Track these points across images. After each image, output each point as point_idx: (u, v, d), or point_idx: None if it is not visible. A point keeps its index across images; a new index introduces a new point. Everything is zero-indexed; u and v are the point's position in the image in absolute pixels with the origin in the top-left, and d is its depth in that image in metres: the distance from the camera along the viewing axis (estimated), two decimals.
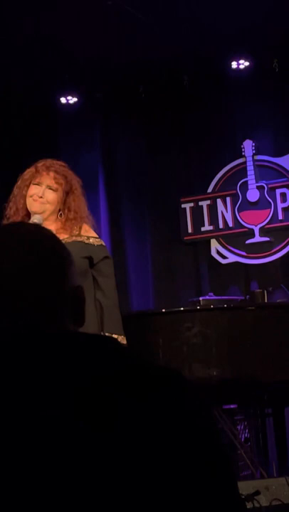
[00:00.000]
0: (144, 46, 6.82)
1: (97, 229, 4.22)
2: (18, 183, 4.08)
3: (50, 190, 4.02)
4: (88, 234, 4.07)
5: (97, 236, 4.12)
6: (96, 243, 4.06)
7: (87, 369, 1.21)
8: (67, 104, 7.77)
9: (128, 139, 7.72)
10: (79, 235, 4.02)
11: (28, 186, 4.01)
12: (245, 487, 4.23)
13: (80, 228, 4.05)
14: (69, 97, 7.73)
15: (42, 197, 3.99)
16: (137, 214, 7.64)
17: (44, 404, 1.17)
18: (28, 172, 4.07)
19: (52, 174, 4.03)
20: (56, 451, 1.13)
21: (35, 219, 3.96)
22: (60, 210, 4.06)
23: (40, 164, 4.07)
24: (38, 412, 1.16)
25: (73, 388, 1.18)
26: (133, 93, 7.60)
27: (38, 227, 1.49)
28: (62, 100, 7.74)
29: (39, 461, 1.13)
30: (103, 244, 4.13)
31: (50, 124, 7.85)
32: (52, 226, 4.03)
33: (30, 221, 3.97)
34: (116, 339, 1.32)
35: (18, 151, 7.47)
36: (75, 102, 7.76)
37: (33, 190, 4.00)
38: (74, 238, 4.01)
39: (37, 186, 4.01)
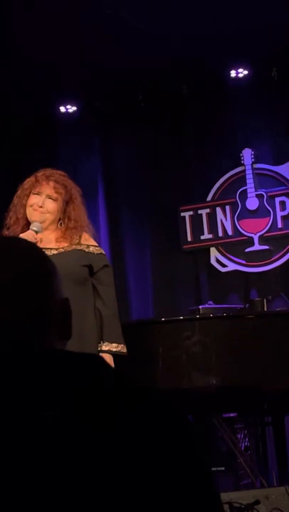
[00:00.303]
0: (143, 55, 6.83)
1: (97, 238, 4.23)
2: (18, 192, 4.08)
3: (50, 200, 4.02)
4: (88, 242, 4.07)
5: (96, 245, 4.13)
6: (96, 251, 4.07)
7: (69, 389, 1.19)
8: (67, 112, 7.78)
9: (127, 147, 7.73)
10: (79, 243, 4.02)
11: (28, 196, 4.02)
12: (245, 496, 4.22)
13: (80, 237, 4.05)
14: (68, 106, 7.75)
15: (42, 206, 4.00)
16: (136, 222, 7.64)
17: (30, 423, 1.15)
18: (28, 182, 4.08)
19: (52, 184, 4.04)
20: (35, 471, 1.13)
21: (34, 226, 3.96)
22: (60, 220, 4.06)
23: (40, 174, 4.08)
24: (23, 433, 1.15)
25: (56, 409, 1.17)
26: (132, 102, 7.61)
27: (19, 242, 1.44)
28: (62, 109, 7.75)
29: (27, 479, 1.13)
30: (103, 252, 4.14)
31: (50, 133, 7.86)
32: (52, 235, 4.04)
33: (30, 229, 3.98)
34: (100, 357, 1.30)
35: (18, 160, 7.48)
36: (74, 111, 7.77)
37: (33, 199, 4.01)
38: (74, 247, 4.01)
39: (37, 196, 4.01)
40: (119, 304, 7.33)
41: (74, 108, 7.75)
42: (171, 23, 6.43)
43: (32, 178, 4.09)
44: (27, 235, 3.92)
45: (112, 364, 3.92)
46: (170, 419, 1.24)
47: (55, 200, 4.03)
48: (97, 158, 7.81)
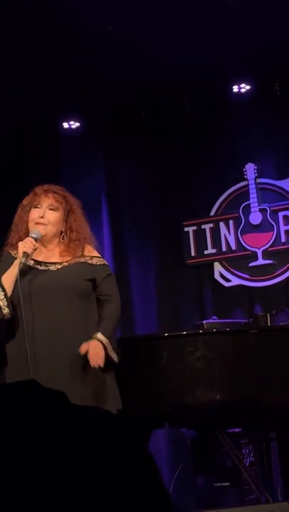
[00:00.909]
0: (146, 70, 6.85)
1: (100, 249, 4.22)
2: (18, 211, 4.09)
3: (51, 211, 4.03)
4: (91, 254, 4.07)
5: (99, 256, 4.12)
6: (99, 263, 4.06)
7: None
8: (70, 129, 7.80)
9: (130, 163, 7.74)
10: (82, 255, 4.02)
11: (28, 212, 4.02)
12: None
13: (83, 249, 4.05)
14: (71, 122, 7.76)
15: (43, 217, 3.99)
16: (140, 238, 7.64)
17: None
18: (27, 198, 4.09)
19: (51, 195, 4.06)
20: None
21: (33, 233, 3.95)
22: (62, 233, 4.06)
23: (37, 189, 4.10)
24: None
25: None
26: (135, 117, 7.63)
27: None
28: (65, 125, 7.77)
29: None
30: (106, 263, 4.13)
31: (53, 149, 7.88)
32: (56, 249, 4.03)
33: (29, 236, 3.96)
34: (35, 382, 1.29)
35: (21, 177, 7.49)
36: (77, 127, 7.79)
37: (34, 213, 4.01)
38: (77, 260, 4.01)
39: (37, 209, 4.02)
40: (123, 318, 7.38)
41: (77, 124, 7.77)
42: (174, 39, 6.45)
43: (30, 195, 4.10)
44: (25, 242, 3.91)
45: (102, 352, 3.87)
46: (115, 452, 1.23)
47: (55, 209, 4.04)
48: (100, 173, 7.82)
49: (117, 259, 7.61)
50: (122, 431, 1.25)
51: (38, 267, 3.99)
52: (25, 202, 4.08)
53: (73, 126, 7.79)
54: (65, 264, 3.98)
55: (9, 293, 3.86)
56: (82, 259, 4.02)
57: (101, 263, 4.08)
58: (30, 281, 3.92)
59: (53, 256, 4.03)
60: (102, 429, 1.23)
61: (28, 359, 3.77)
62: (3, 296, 3.86)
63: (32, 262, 4.00)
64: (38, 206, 4.03)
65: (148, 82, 7.07)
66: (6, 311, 3.85)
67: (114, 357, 3.97)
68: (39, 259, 4.01)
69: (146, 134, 7.64)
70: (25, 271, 3.94)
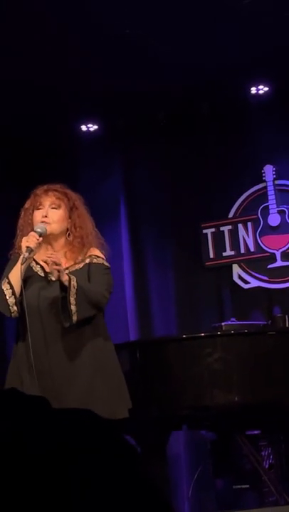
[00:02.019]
0: (164, 73, 6.85)
1: (105, 246, 4.14)
2: (22, 215, 4.06)
3: (54, 210, 4.00)
4: (93, 253, 4.02)
5: (101, 256, 4.05)
6: (94, 261, 4.00)
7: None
8: (88, 131, 7.81)
9: (149, 165, 7.74)
10: (83, 260, 3.98)
11: (32, 214, 4.00)
12: None
13: (87, 251, 4.01)
14: (90, 125, 7.78)
15: (47, 216, 3.97)
16: (158, 240, 7.64)
17: None
18: (28, 201, 4.07)
19: (51, 194, 4.03)
20: None
21: (37, 228, 3.91)
22: (68, 230, 4.03)
23: (37, 190, 4.08)
24: None
25: None
26: (153, 120, 7.63)
27: None
28: (83, 128, 7.78)
29: None
30: (104, 263, 4.02)
31: (71, 152, 7.89)
32: (61, 252, 4.00)
33: (33, 230, 3.93)
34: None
35: (38, 179, 7.49)
36: (95, 130, 7.80)
37: (37, 215, 3.98)
38: (76, 266, 3.97)
39: (40, 210, 4.00)
40: (142, 321, 7.39)
41: (95, 127, 7.78)
42: (191, 41, 6.45)
43: (31, 197, 4.07)
44: (28, 237, 3.88)
45: (64, 275, 3.79)
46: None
47: (58, 207, 4.01)
48: (118, 176, 7.83)
49: (135, 262, 7.62)
50: (107, 434, 1.24)
51: (42, 274, 3.96)
52: (27, 205, 4.05)
53: (91, 129, 7.80)
54: (68, 270, 3.93)
55: (17, 291, 3.84)
56: (81, 264, 3.98)
57: (98, 262, 4.02)
58: (38, 290, 3.89)
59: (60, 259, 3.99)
60: (83, 432, 1.23)
61: (32, 358, 3.76)
62: (11, 294, 3.84)
63: (38, 267, 3.98)
64: (40, 207, 4.00)
65: (166, 85, 7.07)
66: (13, 308, 3.84)
67: (72, 305, 3.77)
68: (42, 261, 3.97)
69: (164, 136, 7.64)
70: (31, 278, 3.92)
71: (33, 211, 4.01)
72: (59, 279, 3.77)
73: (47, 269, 3.91)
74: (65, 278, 3.77)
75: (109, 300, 4.00)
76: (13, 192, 7.02)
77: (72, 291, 3.73)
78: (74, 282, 3.76)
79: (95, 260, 3.98)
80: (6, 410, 1.22)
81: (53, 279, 3.83)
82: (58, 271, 3.76)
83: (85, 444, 1.20)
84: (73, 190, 4.22)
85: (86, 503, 1.15)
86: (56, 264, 3.77)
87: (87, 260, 3.97)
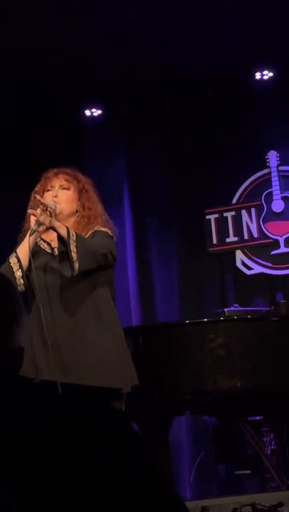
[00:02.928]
0: (167, 59, 6.84)
1: (114, 228, 4.11)
2: (32, 197, 4.06)
3: (64, 190, 4.01)
4: (97, 228, 4.01)
5: (104, 229, 4.03)
6: (100, 230, 3.99)
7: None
8: (92, 116, 7.80)
9: (152, 151, 7.73)
10: (86, 235, 3.96)
11: (42, 196, 4.01)
12: (268, 498, 4.21)
13: (94, 229, 4.00)
14: (93, 110, 7.76)
15: (56, 196, 3.98)
16: (161, 226, 7.64)
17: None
18: (38, 184, 4.08)
19: (61, 176, 4.05)
20: None
21: (48, 203, 3.91)
22: (77, 212, 4.04)
23: (48, 173, 4.09)
24: None
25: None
26: (157, 105, 7.61)
27: None
28: (87, 113, 7.77)
29: None
30: (101, 229, 3.99)
31: (74, 137, 7.88)
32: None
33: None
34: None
35: (41, 164, 7.48)
36: (99, 115, 7.79)
37: (48, 196, 3.99)
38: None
39: (50, 191, 4.01)
40: (145, 305, 7.39)
41: (99, 112, 7.77)
42: (196, 27, 6.43)
43: (41, 180, 4.08)
44: (38, 211, 3.86)
45: (62, 228, 3.75)
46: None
47: (68, 188, 4.02)
48: (122, 161, 7.82)
49: (138, 247, 7.62)
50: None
51: (48, 251, 3.97)
52: (37, 188, 4.06)
53: (95, 114, 7.78)
54: None
55: (24, 264, 3.84)
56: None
57: (102, 230, 4.01)
58: (44, 264, 3.89)
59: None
60: (87, 419, 1.23)
61: (44, 326, 3.76)
62: (18, 267, 3.84)
63: (46, 245, 3.99)
64: (51, 189, 4.02)
65: (170, 71, 7.05)
66: (20, 281, 3.84)
67: (73, 252, 3.72)
68: (50, 240, 3.98)
69: (168, 121, 7.62)
70: (38, 254, 3.92)
71: (43, 193, 4.02)
72: (52, 228, 3.75)
73: (54, 245, 3.92)
74: (58, 224, 3.75)
75: (109, 260, 3.89)
76: (16, 179, 7.02)
77: (72, 238, 3.72)
78: (73, 231, 3.76)
79: (98, 230, 3.98)
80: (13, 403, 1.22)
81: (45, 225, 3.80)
82: (50, 214, 3.74)
83: (89, 430, 1.20)
84: (84, 175, 4.22)
85: (89, 489, 1.15)
86: (46, 208, 3.76)
87: (91, 232, 3.97)
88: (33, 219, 3.84)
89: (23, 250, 3.87)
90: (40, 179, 4.10)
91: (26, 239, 3.85)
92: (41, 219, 3.77)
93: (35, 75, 6.84)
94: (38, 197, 3.84)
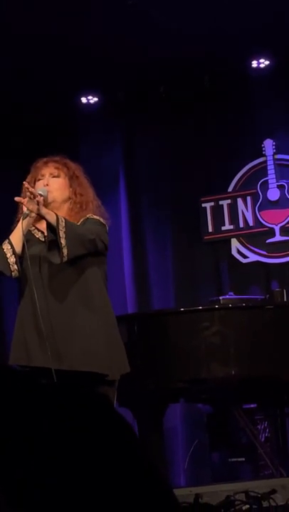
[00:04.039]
0: (165, 46, 6.82)
1: (106, 214, 4.10)
2: (23, 188, 4.06)
3: (55, 178, 4.02)
4: (89, 216, 4.00)
5: (97, 216, 4.02)
6: (92, 218, 3.99)
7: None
8: (88, 103, 7.78)
9: (149, 138, 7.72)
10: (77, 222, 3.95)
11: (33, 186, 4.01)
12: (262, 485, 4.23)
13: (86, 215, 3.99)
14: (90, 97, 7.75)
15: (48, 185, 3.99)
16: (157, 214, 7.64)
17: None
18: (29, 175, 4.09)
19: (51, 164, 4.06)
20: None
21: (39, 190, 3.91)
22: (69, 199, 4.04)
23: (37, 163, 4.11)
24: None
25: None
26: (154, 93, 7.60)
27: None
28: (83, 100, 7.75)
29: None
30: (93, 217, 3.98)
31: (71, 124, 7.87)
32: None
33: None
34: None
35: (37, 151, 7.47)
36: (95, 102, 7.77)
37: (39, 185, 4.00)
38: None
39: (40, 181, 4.02)
40: (140, 293, 7.40)
41: (95, 99, 7.75)
42: (192, 14, 6.42)
43: (32, 170, 4.10)
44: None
45: (50, 214, 3.75)
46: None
47: (58, 176, 4.03)
48: (118, 149, 7.81)
49: (133, 235, 7.62)
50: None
51: (42, 239, 3.97)
52: (28, 179, 4.06)
53: (91, 101, 7.77)
54: None
55: (18, 250, 3.85)
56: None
57: (94, 218, 4.00)
58: (38, 252, 3.89)
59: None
60: (78, 410, 1.24)
61: (38, 311, 3.77)
62: (11, 253, 3.85)
63: (40, 234, 3.99)
64: (41, 178, 4.03)
65: (167, 58, 7.03)
66: (14, 267, 3.84)
67: (62, 238, 3.72)
68: (42, 228, 3.98)
69: (164, 109, 7.61)
70: (31, 242, 3.92)
71: (34, 183, 4.02)
72: (40, 215, 3.75)
73: (45, 233, 3.92)
74: (48, 211, 3.75)
75: (99, 247, 3.88)
76: (13, 167, 7.00)
77: (61, 224, 3.72)
78: (62, 218, 3.76)
79: (90, 217, 3.99)
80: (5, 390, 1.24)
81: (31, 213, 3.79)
82: (38, 202, 3.74)
83: (80, 422, 1.21)
84: (73, 162, 4.22)
85: (82, 482, 1.16)
86: (34, 196, 3.76)
87: (83, 219, 3.97)
88: (25, 202, 3.84)
89: (17, 236, 3.88)
90: (30, 170, 4.11)
91: (19, 224, 3.85)
92: (30, 207, 3.78)
93: (32, 62, 6.82)
94: (26, 185, 3.84)
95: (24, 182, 3.90)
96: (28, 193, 3.79)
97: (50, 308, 3.82)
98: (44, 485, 1.15)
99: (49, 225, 3.75)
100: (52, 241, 3.75)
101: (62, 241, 3.71)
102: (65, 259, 3.73)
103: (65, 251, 3.71)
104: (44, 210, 3.75)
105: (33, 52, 6.68)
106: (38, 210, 3.75)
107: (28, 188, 3.80)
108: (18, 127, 7.73)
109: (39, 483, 1.15)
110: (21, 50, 6.61)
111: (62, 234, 3.71)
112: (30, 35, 6.41)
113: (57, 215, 3.75)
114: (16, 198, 3.85)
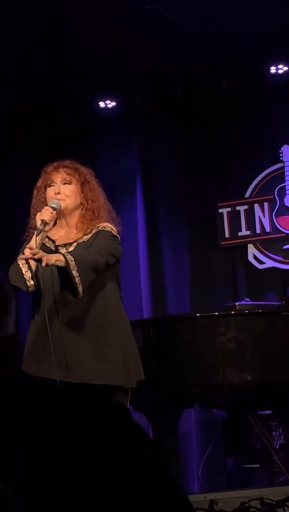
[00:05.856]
0: (183, 51, 6.83)
1: (117, 219, 4.08)
2: (35, 194, 4.05)
3: (66, 185, 3.99)
4: (103, 225, 3.99)
5: (108, 226, 4.00)
6: (98, 229, 3.97)
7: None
8: (106, 108, 7.79)
9: (165, 143, 7.72)
10: (91, 231, 3.95)
11: (44, 192, 4.00)
12: (277, 493, 4.21)
13: (98, 224, 3.97)
14: (108, 101, 7.76)
15: (59, 192, 3.97)
16: (174, 219, 7.63)
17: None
18: (40, 180, 4.06)
19: (62, 170, 4.02)
20: None
21: (52, 203, 3.89)
22: (81, 205, 4.02)
23: (48, 168, 4.07)
24: None
25: None
26: (171, 97, 7.60)
27: None
28: (101, 104, 7.76)
29: None
30: (106, 229, 3.94)
31: (89, 128, 7.88)
32: (74, 226, 3.99)
33: (48, 205, 3.91)
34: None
35: (56, 156, 7.49)
36: (113, 106, 7.78)
37: (50, 192, 3.98)
38: (84, 238, 3.92)
39: (52, 187, 4.00)
40: (156, 300, 7.40)
41: (113, 103, 7.76)
42: (212, 20, 6.42)
43: (42, 175, 4.05)
44: (43, 211, 3.85)
45: (56, 256, 3.71)
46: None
47: (69, 183, 4.00)
48: (135, 153, 7.82)
49: (150, 240, 7.62)
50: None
51: (52, 248, 3.95)
52: (39, 184, 4.05)
53: (109, 106, 7.78)
54: (75, 243, 3.91)
55: (33, 265, 3.83)
56: (89, 236, 3.96)
57: (105, 230, 3.98)
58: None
59: (71, 233, 3.97)
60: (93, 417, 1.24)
61: (48, 329, 3.76)
62: (27, 269, 3.83)
63: (51, 243, 3.97)
64: (52, 184, 3.99)
65: (185, 62, 7.04)
66: (30, 283, 3.83)
67: (76, 277, 3.69)
68: (55, 238, 3.97)
69: (181, 114, 7.61)
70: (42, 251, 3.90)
71: (45, 189, 4.00)
72: (49, 265, 3.72)
73: (58, 243, 3.91)
74: (56, 258, 3.72)
75: (111, 263, 3.89)
76: (31, 170, 7.00)
77: (72, 264, 3.70)
78: (69, 256, 3.74)
79: (102, 230, 3.97)
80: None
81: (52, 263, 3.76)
82: (41, 258, 3.69)
83: (96, 430, 1.22)
84: (91, 167, 4.21)
85: (97, 490, 1.16)
86: (34, 254, 3.71)
87: (95, 231, 3.96)
88: (38, 219, 3.83)
89: None
90: (41, 174, 4.08)
91: (33, 240, 3.82)
92: (43, 263, 3.70)
93: (50, 67, 6.84)
94: (30, 251, 3.70)
95: (27, 247, 3.75)
96: (36, 257, 3.71)
97: (63, 321, 3.81)
98: (64, 491, 1.16)
99: (59, 269, 3.72)
100: (63, 279, 3.73)
101: (77, 280, 3.69)
102: (80, 295, 3.73)
103: (80, 289, 3.71)
104: (52, 260, 3.68)
105: (51, 57, 6.70)
106: (46, 264, 3.70)
107: (30, 251, 3.68)
108: (37, 132, 7.73)
109: (59, 489, 1.16)
110: (40, 56, 6.64)
111: (75, 273, 3.69)
112: (46, 42, 6.43)
113: (64, 256, 3.72)
114: (22, 257, 3.80)
